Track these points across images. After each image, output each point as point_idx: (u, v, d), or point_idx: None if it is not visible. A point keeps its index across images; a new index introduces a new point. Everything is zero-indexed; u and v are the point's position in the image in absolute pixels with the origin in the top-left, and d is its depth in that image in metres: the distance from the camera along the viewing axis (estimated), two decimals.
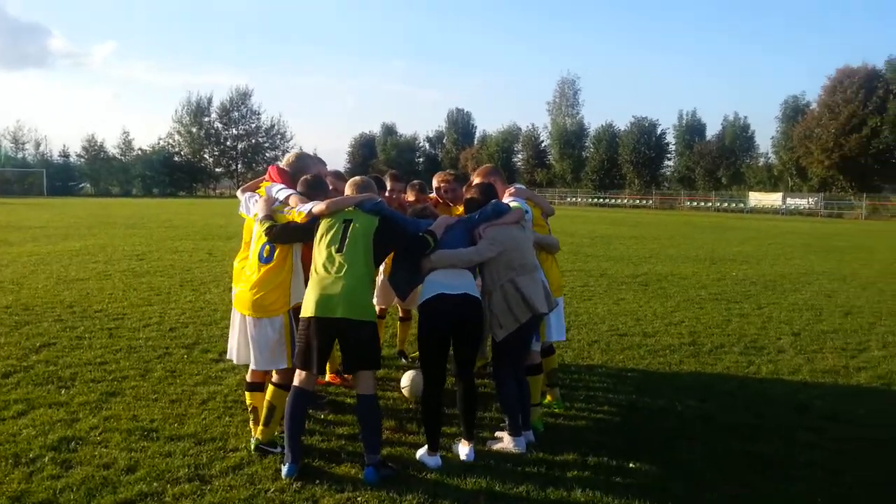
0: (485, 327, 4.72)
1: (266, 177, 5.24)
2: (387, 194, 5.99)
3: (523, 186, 5.66)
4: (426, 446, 4.56)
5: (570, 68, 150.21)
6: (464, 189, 5.49)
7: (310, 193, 4.78)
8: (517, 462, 4.56)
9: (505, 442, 4.78)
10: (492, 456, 4.65)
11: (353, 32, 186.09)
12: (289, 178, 5.09)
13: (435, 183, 6.17)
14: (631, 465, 4.57)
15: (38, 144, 78.35)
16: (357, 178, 4.93)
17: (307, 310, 4.28)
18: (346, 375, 6.01)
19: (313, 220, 4.56)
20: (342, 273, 4.27)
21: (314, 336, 4.24)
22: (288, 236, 4.62)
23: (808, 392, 6.29)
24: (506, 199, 5.21)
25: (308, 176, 4.94)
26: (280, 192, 4.88)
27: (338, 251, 4.36)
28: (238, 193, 5.34)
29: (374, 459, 4.27)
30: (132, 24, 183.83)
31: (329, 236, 4.43)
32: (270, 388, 4.64)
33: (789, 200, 58.93)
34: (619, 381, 6.53)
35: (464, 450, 4.62)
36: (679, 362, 7.22)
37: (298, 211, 4.64)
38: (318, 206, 4.54)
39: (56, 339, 7.49)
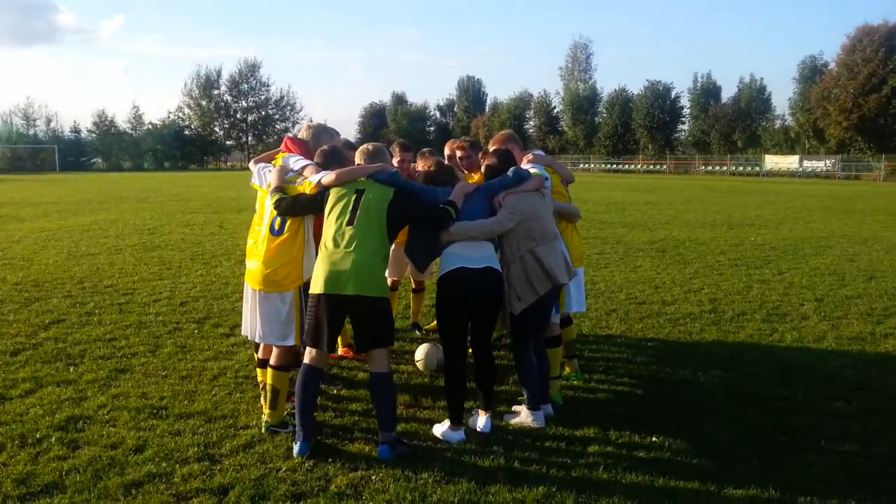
0: (504, 300, 4.54)
1: (281, 148, 5.02)
2: (395, 165, 5.74)
3: (542, 153, 5.42)
4: (447, 421, 4.42)
5: (582, 32, 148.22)
6: (480, 156, 5.22)
7: (327, 165, 4.52)
8: (536, 437, 4.41)
9: (523, 416, 4.63)
10: (510, 431, 4.50)
11: (362, 1, 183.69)
12: (305, 148, 4.87)
13: (447, 151, 5.89)
14: (654, 439, 4.41)
15: (48, 121, 78.62)
16: (367, 145, 4.70)
17: (316, 286, 4.10)
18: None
19: (323, 192, 4.36)
20: (352, 247, 4.07)
21: (324, 313, 4.06)
22: (297, 209, 4.42)
23: (835, 360, 6.09)
24: (524, 167, 4.99)
25: (326, 147, 4.69)
26: (297, 162, 4.67)
27: (348, 224, 4.15)
28: (251, 165, 5.14)
29: (388, 437, 4.13)
30: None
31: (339, 208, 4.22)
32: (270, 371, 4.47)
33: (806, 163, 58.02)
34: (639, 352, 6.35)
35: (481, 421, 4.49)
36: (700, 331, 7.03)
37: (309, 181, 4.45)
38: (327, 177, 4.32)
39: (65, 316, 7.39)
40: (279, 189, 4.49)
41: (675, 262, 11.20)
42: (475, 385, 4.59)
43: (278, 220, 4.47)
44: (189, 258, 11.43)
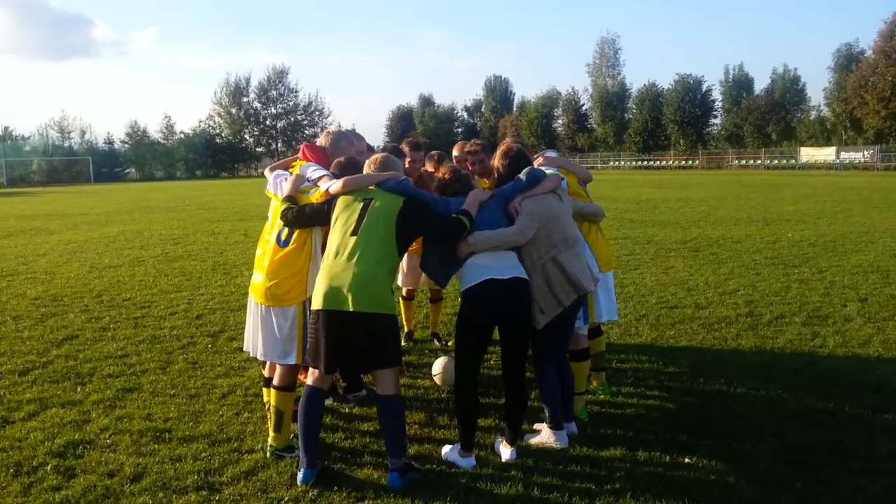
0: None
1: (299, 155, 4.77)
2: (406, 165, 5.43)
3: (553, 154, 5.09)
4: (457, 444, 4.12)
5: (609, 28, 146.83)
6: (492, 160, 4.85)
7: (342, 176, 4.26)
8: (558, 459, 4.09)
9: (544, 436, 4.32)
10: (530, 453, 4.19)
11: (387, 4, 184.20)
12: (323, 155, 4.62)
13: (456, 153, 5.55)
14: (687, 460, 4.06)
15: (83, 133, 79.91)
16: (377, 154, 4.42)
17: (316, 301, 3.83)
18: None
19: (330, 201, 4.10)
20: (354, 259, 3.78)
21: (322, 331, 3.78)
22: (303, 220, 4.18)
23: (884, 368, 5.66)
24: None
25: (342, 158, 4.41)
26: (315, 172, 4.42)
27: (352, 233, 3.87)
28: (266, 172, 4.88)
29: (397, 464, 3.84)
30: (172, 8, 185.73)
31: (344, 217, 3.95)
32: (273, 391, 4.24)
33: (843, 154, 56.46)
34: (671, 361, 5.98)
35: (506, 452, 4.14)
36: (736, 336, 6.63)
37: (318, 189, 4.22)
38: (335, 185, 4.07)
39: (80, 332, 7.26)
40: (290, 199, 4.28)
41: (708, 262, 10.76)
42: (504, 418, 4.27)
43: (286, 230, 4.25)
44: (210, 268, 11.30)
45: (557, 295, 4.12)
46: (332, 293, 3.75)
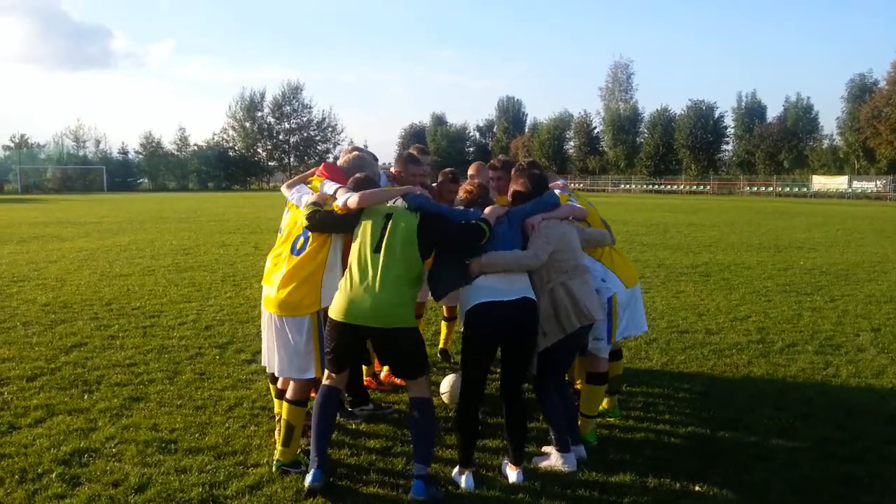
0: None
1: (318, 172, 4.76)
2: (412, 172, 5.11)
3: (563, 180, 5.10)
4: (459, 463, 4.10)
5: (622, 52, 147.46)
6: (512, 177, 4.67)
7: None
8: (567, 483, 4.03)
9: (552, 459, 4.27)
10: (538, 475, 4.13)
11: (401, 23, 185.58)
12: (342, 175, 4.60)
13: (472, 172, 5.50)
14: (697, 487, 4.00)
15: (98, 142, 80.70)
16: (351, 153, 4.62)
17: (335, 312, 3.88)
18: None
19: (356, 213, 4.12)
20: (376, 275, 3.83)
21: (342, 341, 3.88)
22: (328, 225, 4.17)
23: None
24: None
25: (360, 174, 4.43)
26: (331, 186, 4.45)
27: (374, 251, 3.91)
28: (283, 189, 4.87)
29: (423, 471, 3.82)
30: (190, 22, 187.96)
31: (366, 233, 3.99)
32: (285, 405, 4.19)
33: (856, 184, 56.26)
34: (682, 386, 5.91)
35: (512, 474, 4.08)
36: (748, 363, 6.56)
37: (335, 201, 4.23)
38: (352, 198, 4.08)
39: (88, 339, 7.26)
40: (316, 203, 4.26)
41: (719, 288, 10.69)
42: (506, 434, 4.22)
43: (301, 239, 4.26)
44: (220, 279, 11.31)
45: (562, 321, 4.11)
46: (353, 306, 3.82)
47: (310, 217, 4.17)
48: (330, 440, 4.08)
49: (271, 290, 4.31)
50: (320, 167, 4.79)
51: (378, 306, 3.77)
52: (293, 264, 4.23)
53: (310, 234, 4.22)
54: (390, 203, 4.10)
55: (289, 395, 4.22)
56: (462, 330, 4.14)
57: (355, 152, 4.91)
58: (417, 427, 3.92)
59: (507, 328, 3.93)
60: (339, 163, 4.86)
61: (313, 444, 3.93)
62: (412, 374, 3.95)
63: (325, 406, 3.99)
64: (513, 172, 4.58)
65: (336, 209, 4.20)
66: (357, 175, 4.43)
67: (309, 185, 4.71)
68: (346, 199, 4.12)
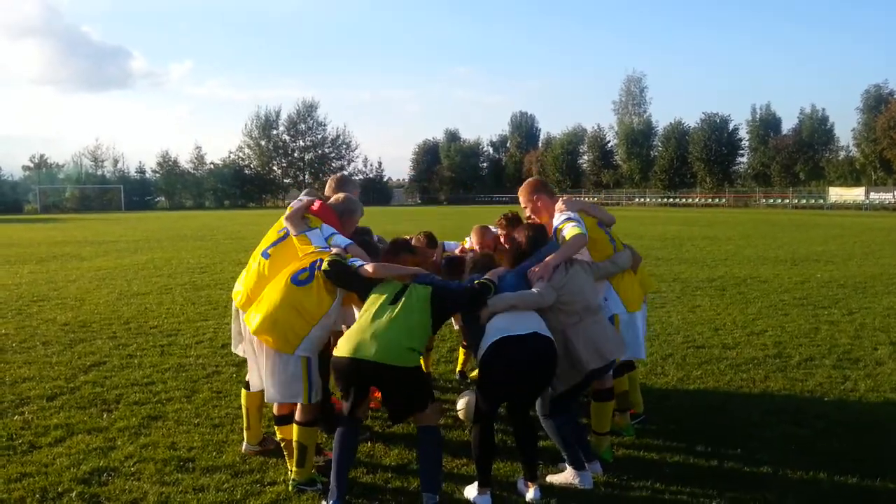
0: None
1: (315, 210, 4.77)
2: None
3: (575, 198, 5.07)
4: (476, 483, 4.08)
5: (635, 66, 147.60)
6: (515, 232, 4.73)
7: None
8: (584, 499, 4.03)
9: (568, 475, 4.25)
10: (554, 493, 4.12)
11: (416, 41, 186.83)
12: (335, 218, 4.78)
13: (475, 238, 5.67)
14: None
15: (115, 161, 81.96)
16: (344, 203, 4.92)
17: (341, 349, 3.94)
18: None
19: (371, 280, 4.23)
20: (390, 318, 3.94)
21: (347, 382, 3.98)
22: (347, 282, 4.24)
23: None
24: (557, 217, 4.67)
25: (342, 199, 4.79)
26: (336, 236, 4.57)
27: (390, 302, 4.03)
28: (284, 220, 4.81)
29: (432, 500, 3.84)
30: (208, 42, 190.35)
31: (382, 290, 4.14)
32: (296, 427, 4.20)
33: (873, 195, 55.78)
34: (699, 402, 5.89)
35: (529, 492, 4.06)
36: (764, 378, 6.52)
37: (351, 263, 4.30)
38: (368, 268, 4.20)
39: (107, 358, 7.34)
40: (340, 256, 4.32)
41: (735, 302, 10.63)
42: (518, 452, 4.23)
43: (305, 272, 4.25)
44: None
45: (575, 365, 4.16)
46: (360, 343, 3.88)
47: (332, 266, 4.19)
48: (349, 470, 4.07)
49: (255, 316, 4.25)
50: (315, 205, 4.81)
51: (386, 344, 3.83)
52: (292, 291, 4.20)
53: (317, 273, 4.23)
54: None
55: (298, 416, 4.20)
56: (478, 366, 4.20)
57: (341, 194, 5.07)
58: (425, 456, 3.98)
59: (520, 363, 3.94)
60: (329, 201, 4.97)
61: (333, 476, 3.93)
62: (416, 408, 4.00)
63: (345, 438, 3.99)
64: (512, 228, 4.77)
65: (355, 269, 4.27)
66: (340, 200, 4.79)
67: (308, 222, 4.70)
68: (360, 266, 4.24)
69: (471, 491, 4.08)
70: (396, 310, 3.97)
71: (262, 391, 4.43)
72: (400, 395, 3.98)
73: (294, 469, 4.23)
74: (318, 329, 4.19)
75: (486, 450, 4.05)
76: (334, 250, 4.40)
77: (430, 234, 5.66)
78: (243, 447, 4.80)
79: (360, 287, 4.24)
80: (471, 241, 5.77)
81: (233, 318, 4.93)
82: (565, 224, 4.52)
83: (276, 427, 4.51)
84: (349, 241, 4.56)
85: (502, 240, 5.30)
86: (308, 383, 4.16)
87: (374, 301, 4.08)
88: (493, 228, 5.59)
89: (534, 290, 4.15)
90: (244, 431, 4.84)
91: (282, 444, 4.47)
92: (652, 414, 5.57)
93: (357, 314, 4.33)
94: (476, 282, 4.20)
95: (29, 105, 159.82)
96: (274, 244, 4.69)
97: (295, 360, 4.14)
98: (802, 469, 4.46)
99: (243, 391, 4.87)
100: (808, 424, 5.28)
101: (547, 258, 4.32)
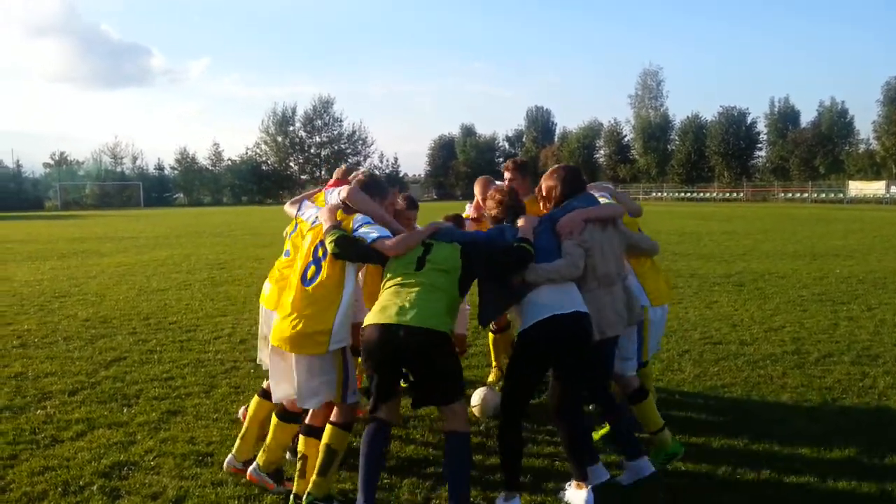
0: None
1: (325, 189, 4.68)
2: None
3: (608, 184, 5.03)
4: (503, 492, 3.90)
5: (651, 60, 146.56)
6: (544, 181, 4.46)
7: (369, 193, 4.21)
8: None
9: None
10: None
11: (432, 35, 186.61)
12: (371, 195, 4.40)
13: (478, 189, 5.59)
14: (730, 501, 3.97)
15: (134, 158, 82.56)
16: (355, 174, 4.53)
17: (372, 318, 3.70)
18: None
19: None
20: (417, 285, 3.71)
21: (375, 351, 3.63)
22: (359, 253, 3.94)
23: None
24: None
25: (362, 176, 4.38)
26: (368, 227, 4.08)
27: (416, 269, 3.80)
28: (287, 207, 4.84)
29: None
30: (226, 39, 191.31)
31: (406, 257, 3.88)
32: (329, 429, 3.90)
33: (894, 189, 55.00)
34: (716, 399, 5.87)
35: (579, 495, 3.82)
36: (782, 375, 6.48)
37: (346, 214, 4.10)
38: (388, 243, 3.89)
39: (127, 354, 7.44)
40: (336, 228, 3.98)
41: (753, 298, 10.56)
42: (567, 457, 4.06)
43: (312, 267, 3.99)
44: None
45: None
46: (390, 309, 3.65)
47: (338, 244, 3.87)
48: (377, 478, 3.86)
49: (280, 319, 4.04)
50: (331, 181, 4.71)
51: (422, 309, 3.60)
52: (305, 295, 3.95)
53: (323, 262, 3.98)
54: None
55: (333, 417, 3.95)
56: (515, 345, 4.04)
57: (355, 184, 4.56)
58: (454, 467, 3.67)
59: (562, 343, 3.80)
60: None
61: (362, 484, 3.69)
62: (447, 396, 3.70)
63: (373, 442, 3.74)
64: (545, 175, 4.42)
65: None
66: (361, 178, 4.36)
67: (314, 202, 4.56)
68: (376, 240, 3.92)
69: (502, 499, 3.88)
70: (424, 274, 3.75)
71: (273, 405, 4.25)
72: (433, 370, 3.65)
73: (314, 479, 3.82)
74: (342, 309, 3.89)
75: (515, 448, 3.90)
76: (328, 224, 4.03)
77: (409, 195, 5.37)
78: (227, 460, 4.40)
79: (377, 258, 3.96)
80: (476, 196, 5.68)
81: (261, 322, 4.74)
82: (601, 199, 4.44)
83: (301, 437, 4.05)
84: (374, 226, 4.06)
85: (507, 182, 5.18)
86: (344, 377, 3.95)
87: (397, 269, 3.84)
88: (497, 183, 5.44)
89: (565, 258, 3.94)
90: (237, 440, 4.45)
91: (297, 459, 4.04)
92: (669, 410, 5.54)
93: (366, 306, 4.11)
94: (514, 243, 3.87)
95: (48, 103, 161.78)
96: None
97: (329, 358, 3.92)
98: (818, 465, 4.44)
99: (256, 398, 4.60)
100: (826, 421, 5.25)
101: (575, 212, 4.10)
